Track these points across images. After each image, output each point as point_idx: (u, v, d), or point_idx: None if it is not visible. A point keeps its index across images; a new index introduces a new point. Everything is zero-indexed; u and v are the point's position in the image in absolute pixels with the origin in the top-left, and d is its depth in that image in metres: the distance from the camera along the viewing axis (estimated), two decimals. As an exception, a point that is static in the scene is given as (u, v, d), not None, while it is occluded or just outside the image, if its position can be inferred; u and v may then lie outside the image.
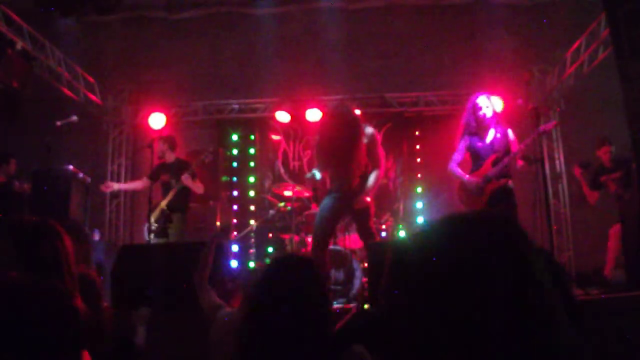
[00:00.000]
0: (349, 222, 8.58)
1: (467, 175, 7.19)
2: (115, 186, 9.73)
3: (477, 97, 7.20)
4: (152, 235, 8.72)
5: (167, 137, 9.56)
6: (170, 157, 9.28)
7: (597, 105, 11.09)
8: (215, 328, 4.53)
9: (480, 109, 7.09)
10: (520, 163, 6.92)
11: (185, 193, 9.04)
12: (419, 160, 12.09)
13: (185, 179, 8.79)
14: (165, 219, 8.80)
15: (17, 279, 2.83)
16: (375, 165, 6.99)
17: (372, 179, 6.93)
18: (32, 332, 2.66)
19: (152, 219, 8.80)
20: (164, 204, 8.86)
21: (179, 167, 9.08)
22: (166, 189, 9.05)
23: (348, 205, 6.93)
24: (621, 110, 7.10)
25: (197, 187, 9.12)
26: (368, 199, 6.89)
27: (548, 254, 4.08)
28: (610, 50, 8.15)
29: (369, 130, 7.06)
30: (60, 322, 3.04)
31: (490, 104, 7.13)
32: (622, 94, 6.82)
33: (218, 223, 10.97)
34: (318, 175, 7.07)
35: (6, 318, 2.57)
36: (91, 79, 11.39)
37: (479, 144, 7.15)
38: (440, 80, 11.98)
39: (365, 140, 6.93)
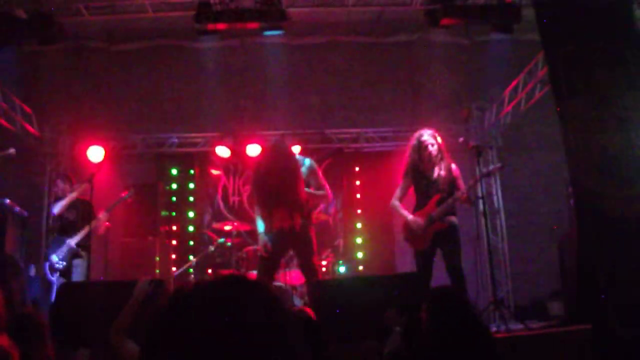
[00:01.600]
0: (290, 258, 8.56)
1: (410, 215, 7.22)
2: None
3: (422, 134, 7.24)
4: (56, 274, 8.50)
5: (66, 176, 9.39)
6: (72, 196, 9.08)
7: (534, 143, 11.35)
8: None
9: (427, 146, 7.13)
10: (463, 204, 7.03)
11: (91, 232, 8.84)
12: (358, 196, 12.14)
13: (104, 216, 8.62)
14: (72, 257, 8.60)
15: None
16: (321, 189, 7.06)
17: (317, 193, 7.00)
18: None
19: (56, 257, 8.56)
20: (73, 242, 8.62)
21: (81, 206, 8.88)
22: (70, 227, 8.77)
23: (291, 239, 6.92)
24: (558, 148, 7.28)
25: (103, 227, 8.93)
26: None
27: (457, 297, 4.12)
28: (547, 89, 8.38)
29: (307, 161, 7.07)
30: None
31: (435, 141, 7.18)
32: (560, 133, 6.99)
33: (157, 258, 10.79)
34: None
35: None
36: (29, 110, 11.14)
37: (424, 182, 7.17)
38: (380, 116, 12.12)
39: (304, 172, 6.95)
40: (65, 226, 8.77)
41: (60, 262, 8.47)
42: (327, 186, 7.18)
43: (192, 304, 1.38)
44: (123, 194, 8.96)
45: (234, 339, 1.29)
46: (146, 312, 4.75)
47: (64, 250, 8.53)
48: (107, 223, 9.13)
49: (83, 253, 8.59)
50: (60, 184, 9.08)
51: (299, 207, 6.86)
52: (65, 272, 8.51)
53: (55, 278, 8.53)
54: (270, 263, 7.03)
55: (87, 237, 8.69)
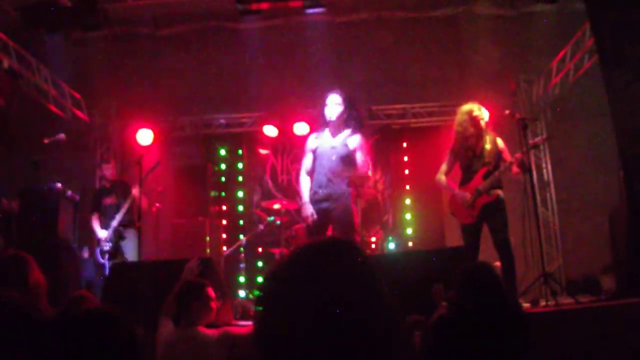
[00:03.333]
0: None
1: (457, 189, 7.20)
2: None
3: (473, 108, 7.15)
4: (106, 257, 8.71)
5: (109, 162, 9.65)
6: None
7: (583, 114, 11.13)
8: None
9: (479, 121, 7.07)
10: (515, 171, 6.94)
11: (134, 209, 8.99)
12: (407, 171, 12.08)
13: (137, 191, 8.74)
14: (118, 238, 8.78)
15: None
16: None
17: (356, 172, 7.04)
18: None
19: (104, 241, 8.78)
20: (115, 223, 8.81)
21: (120, 187, 9.16)
22: (114, 210, 8.96)
23: (333, 214, 6.98)
24: (607, 119, 7.15)
25: (143, 202, 9.02)
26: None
27: (487, 274, 4.07)
28: (596, 58, 8.20)
29: (358, 137, 7.20)
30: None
31: (483, 115, 7.14)
32: (608, 103, 6.86)
33: (207, 238, 10.90)
34: None
35: None
36: (78, 96, 11.33)
37: (470, 156, 7.13)
38: (426, 91, 12.00)
39: (352, 147, 7.07)
40: (108, 210, 8.97)
41: (107, 244, 8.68)
42: (367, 162, 7.22)
43: (294, 271, 1.43)
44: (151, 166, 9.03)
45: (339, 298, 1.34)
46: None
47: (109, 232, 8.73)
48: (158, 204, 9.28)
49: (129, 231, 8.79)
50: (106, 170, 9.37)
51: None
52: (114, 254, 8.70)
53: (105, 260, 8.73)
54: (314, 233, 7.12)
55: (130, 214, 8.90)
